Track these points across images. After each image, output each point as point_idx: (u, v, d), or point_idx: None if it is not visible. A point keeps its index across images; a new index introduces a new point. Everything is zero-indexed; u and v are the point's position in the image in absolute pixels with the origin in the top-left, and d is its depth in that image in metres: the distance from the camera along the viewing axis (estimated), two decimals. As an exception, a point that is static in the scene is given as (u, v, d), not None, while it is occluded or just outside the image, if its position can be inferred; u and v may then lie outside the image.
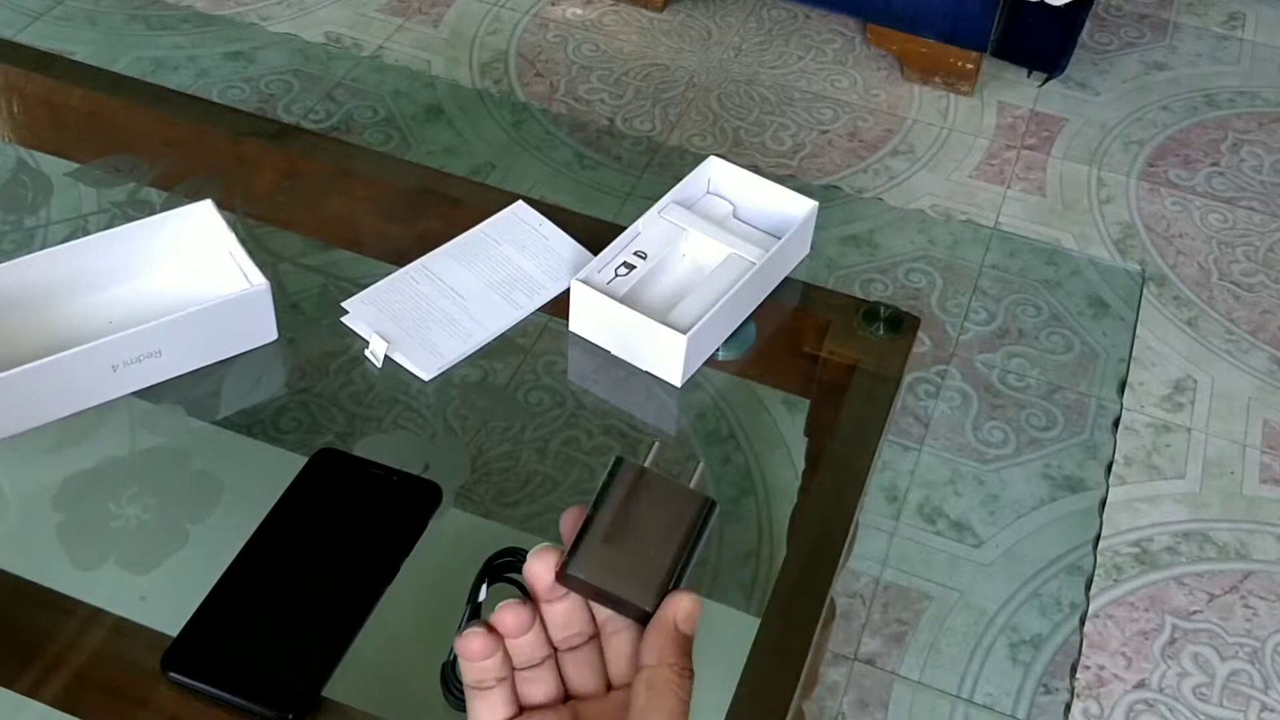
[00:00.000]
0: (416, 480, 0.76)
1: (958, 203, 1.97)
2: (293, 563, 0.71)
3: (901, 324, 0.89)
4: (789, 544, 0.78)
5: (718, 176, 0.95)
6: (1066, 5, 2.05)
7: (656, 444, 0.54)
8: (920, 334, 0.89)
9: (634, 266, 0.88)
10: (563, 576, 0.49)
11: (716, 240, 0.90)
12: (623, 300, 0.85)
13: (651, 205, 0.91)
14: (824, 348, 0.89)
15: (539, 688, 0.50)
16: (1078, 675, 1.38)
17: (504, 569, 0.72)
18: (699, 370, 0.86)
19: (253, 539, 0.72)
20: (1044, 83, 2.19)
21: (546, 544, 0.49)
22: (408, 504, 0.75)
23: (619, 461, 0.51)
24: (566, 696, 0.51)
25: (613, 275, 0.87)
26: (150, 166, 0.99)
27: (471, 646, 0.48)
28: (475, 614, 0.69)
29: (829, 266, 0.97)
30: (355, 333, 0.86)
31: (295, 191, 0.99)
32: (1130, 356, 1.02)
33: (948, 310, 0.99)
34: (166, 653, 0.67)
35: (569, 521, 0.49)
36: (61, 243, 0.84)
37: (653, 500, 0.51)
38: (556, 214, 0.94)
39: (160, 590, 0.72)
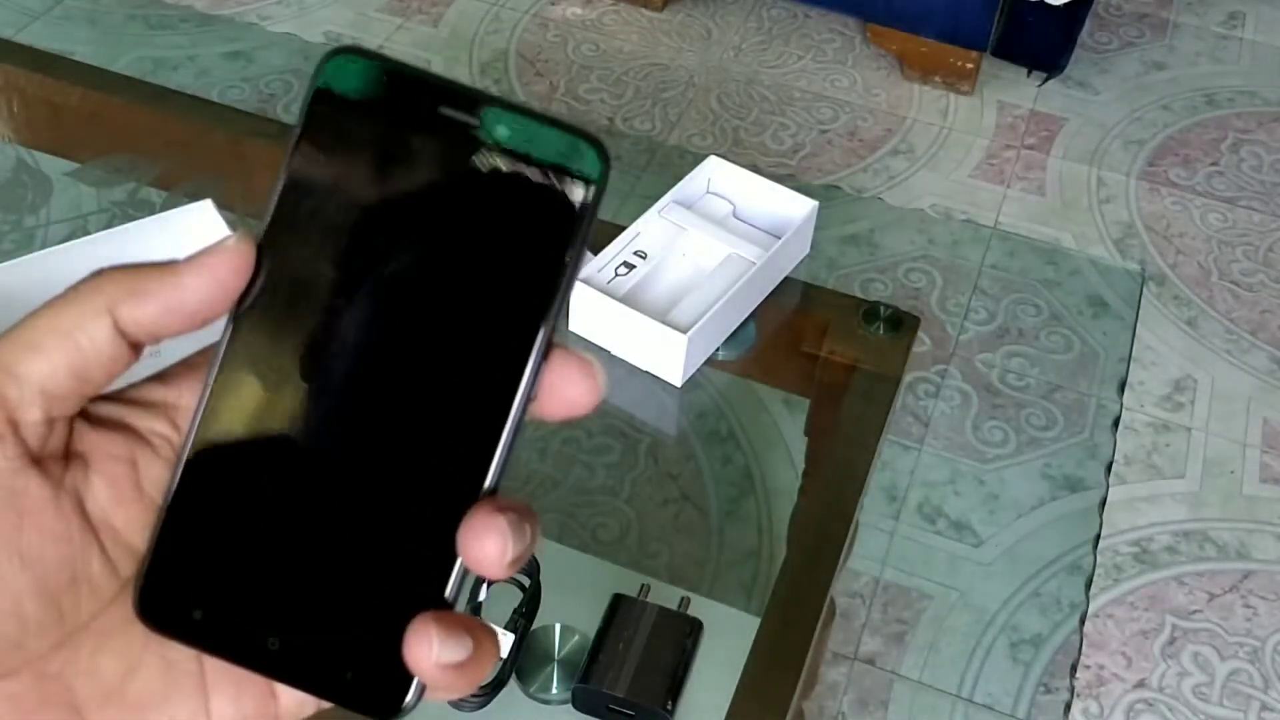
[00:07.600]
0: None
1: (958, 202, 1.97)
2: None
3: (901, 324, 0.89)
4: (789, 544, 0.78)
5: (717, 176, 0.95)
6: (1066, 5, 2.05)
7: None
8: (920, 334, 0.89)
9: (634, 266, 0.88)
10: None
11: (716, 240, 0.90)
12: (623, 300, 0.85)
13: (651, 205, 0.91)
14: (824, 347, 0.89)
15: None
16: (1078, 675, 1.38)
17: (504, 569, 0.72)
18: (699, 370, 0.86)
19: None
20: (1044, 82, 2.19)
21: None
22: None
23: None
24: None
25: (613, 275, 0.87)
26: (150, 166, 0.99)
27: None
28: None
29: (829, 266, 0.97)
30: (355, 333, 0.86)
31: (295, 191, 0.99)
32: (1130, 356, 1.02)
33: (948, 310, 0.99)
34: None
35: None
36: (61, 243, 0.84)
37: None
38: (556, 214, 0.94)
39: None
